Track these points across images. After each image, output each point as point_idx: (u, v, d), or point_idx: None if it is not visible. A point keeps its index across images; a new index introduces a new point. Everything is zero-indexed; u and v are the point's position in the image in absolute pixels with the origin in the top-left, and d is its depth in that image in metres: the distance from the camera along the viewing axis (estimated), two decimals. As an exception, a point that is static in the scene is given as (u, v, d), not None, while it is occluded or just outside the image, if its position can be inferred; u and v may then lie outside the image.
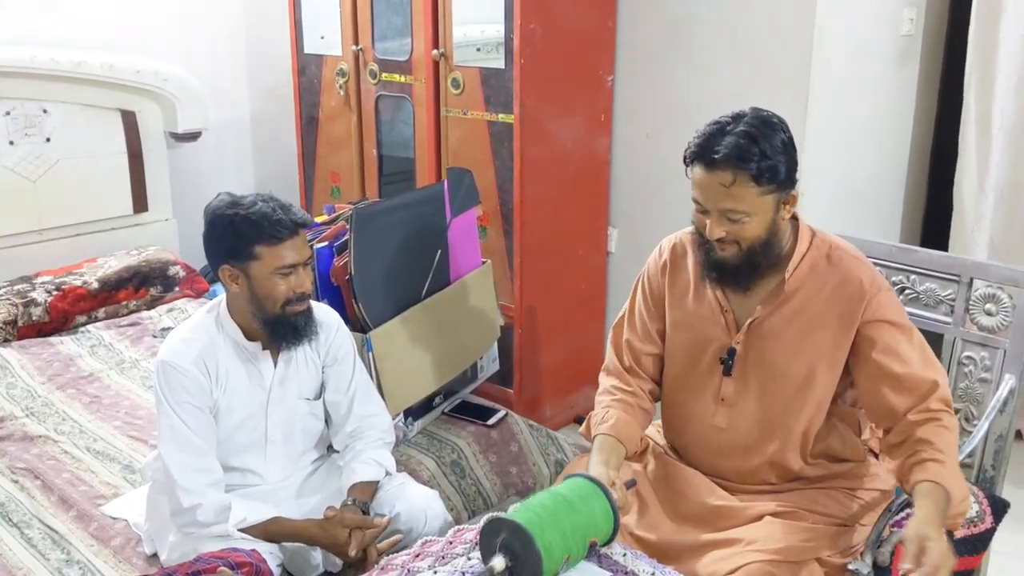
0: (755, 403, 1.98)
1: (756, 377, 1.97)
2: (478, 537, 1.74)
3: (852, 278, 1.89)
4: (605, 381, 2.18)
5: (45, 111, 3.69)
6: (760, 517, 1.94)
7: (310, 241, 2.40)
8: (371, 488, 2.16)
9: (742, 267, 1.88)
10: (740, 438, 2.01)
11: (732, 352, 1.97)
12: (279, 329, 2.06)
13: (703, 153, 1.80)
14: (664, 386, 2.16)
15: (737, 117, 1.82)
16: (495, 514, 1.71)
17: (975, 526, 2.08)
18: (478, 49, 3.31)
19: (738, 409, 2.00)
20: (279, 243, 1.98)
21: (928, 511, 1.69)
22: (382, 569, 1.84)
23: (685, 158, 1.85)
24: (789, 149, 1.82)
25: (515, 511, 1.68)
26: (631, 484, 1.96)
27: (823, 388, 1.94)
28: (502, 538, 1.66)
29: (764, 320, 1.94)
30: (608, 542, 1.76)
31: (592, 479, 1.78)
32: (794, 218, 1.95)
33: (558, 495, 1.73)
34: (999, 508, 2.14)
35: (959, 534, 2.05)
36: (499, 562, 1.63)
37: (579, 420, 3.71)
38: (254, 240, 1.97)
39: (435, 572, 1.81)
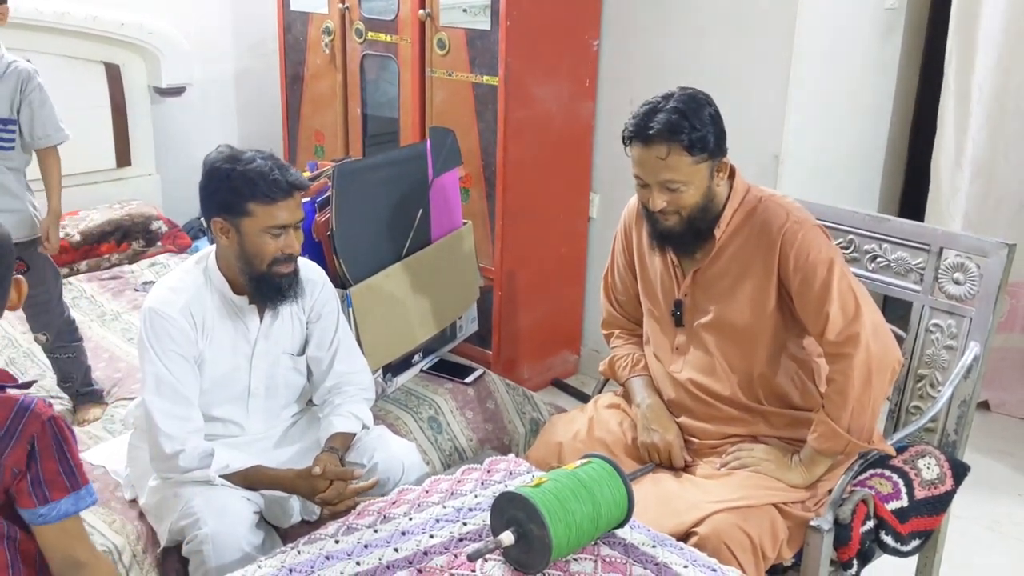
0: (704, 352, 2.12)
1: (702, 327, 2.12)
2: (484, 501, 1.77)
3: (770, 225, 2.01)
4: (612, 329, 2.40)
5: (28, 61, 3.66)
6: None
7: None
8: (348, 440, 2.19)
9: (685, 234, 2.05)
10: (694, 387, 2.13)
11: (679, 304, 2.14)
12: (263, 287, 2.07)
13: (639, 131, 1.96)
14: (644, 340, 2.30)
15: (667, 97, 1.97)
16: (513, 488, 1.72)
17: (935, 488, 2.14)
18: (464, 10, 3.31)
19: (690, 358, 2.15)
20: (272, 203, 1.99)
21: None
22: (358, 515, 1.89)
23: (623, 139, 2.00)
24: (717, 121, 1.97)
25: (534, 490, 1.69)
26: (649, 469, 2.10)
27: (765, 334, 2.06)
28: (516, 515, 1.68)
29: (703, 273, 2.10)
30: (620, 526, 1.80)
31: (613, 464, 1.81)
32: (732, 176, 2.07)
33: (578, 480, 1.74)
34: (959, 471, 2.20)
35: (920, 495, 2.11)
36: (507, 537, 1.66)
37: (556, 382, 3.76)
38: (248, 197, 1.98)
39: (410, 519, 1.86)
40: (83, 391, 2.69)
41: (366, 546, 1.78)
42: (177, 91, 4.10)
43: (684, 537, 1.89)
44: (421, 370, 2.84)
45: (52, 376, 2.80)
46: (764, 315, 2.04)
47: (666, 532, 1.87)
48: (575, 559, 1.73)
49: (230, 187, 1.99)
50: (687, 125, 1.92)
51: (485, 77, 3.28)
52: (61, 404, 2.70)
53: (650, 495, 2.00)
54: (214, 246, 2.13)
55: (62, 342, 2.68)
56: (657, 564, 1.73)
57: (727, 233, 2.05)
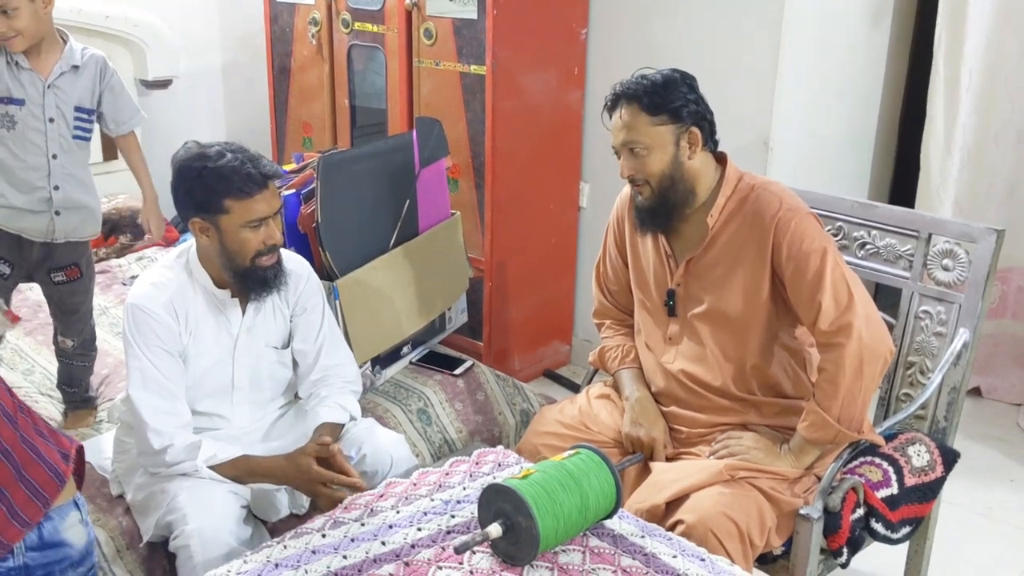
0: (697, 342, 2.11)
1: (696, 317, 2.11)
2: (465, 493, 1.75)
3: (763, 213, 2.00)
4: (603, 319, 2.39)
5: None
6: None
7: (278, 189, 2.39)
8: (336, 431, 2.17)
9: (657, 208, 2.05)
10: (685, 377, 2.12)
11: (672, 294, 2.12)
12: (248, 281, 2.06)
13: (609, 100, 2.03)
14: (635, 329, 2.29)
15: (648, 74, 2.02)
16: (501, 481, 1.71)
17: (926, 475, 2.14)
18: (451, -1, 3.29)
19: (683, 348, 2.13)
20: (249, 197, 1.97)
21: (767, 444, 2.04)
22: (345, 508, 1.87)
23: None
24: (689, 94, 1.99)
25: (521, 482, 1.68)
26: (637, 459, 2.09)
27: (758, 323, 2.05)
28: (503, 507, 1.66)
29: (696, 262, 2.08)
30: (608, 516, 1.79)
31: (601, 455, 1.79)
32: (723, 163, 2.06)
33: (566, 471, 1.73)
34: (950, 458, 2.19)
35: (910, 482, 2.11)
36: (495, 529, 1.65)
37: (548, 373, 3.75)
38: (223, 194, 1.96)
39: (397, 512, 1.85)
40: (84, 397, 2.67)
41: (353, 540, 1.76)
42: (163, 84, 4.08)
43: (671, 526, 1.88)
44: (410, 362, 2.82)
45: (42, 372, 2.79)
46: (757, 304, 2.03)
47: (650, 506, 1.90)
48: (563, 550, 1.72)
49: (203, 186, 1.96)
50: (649, 88, 1.97)
51: (473, 66, 3.26)
52: (52, 404, 2.68)
53: (634, 475, 2.01)
54: (194, 240, 2.11)
55: (84, 350, 2.65)
56: (646, 554, 1.72)
57: (720, 221, 2.04)
